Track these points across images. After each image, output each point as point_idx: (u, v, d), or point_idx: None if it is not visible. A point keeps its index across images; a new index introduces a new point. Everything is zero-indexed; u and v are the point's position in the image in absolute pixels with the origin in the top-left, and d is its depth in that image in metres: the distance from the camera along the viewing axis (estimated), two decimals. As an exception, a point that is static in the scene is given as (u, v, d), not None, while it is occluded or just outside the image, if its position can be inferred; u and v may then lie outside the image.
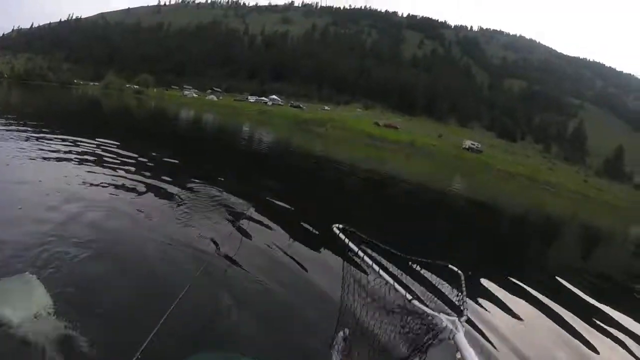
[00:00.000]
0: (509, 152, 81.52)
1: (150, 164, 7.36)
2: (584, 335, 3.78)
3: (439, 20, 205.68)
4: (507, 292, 4.48)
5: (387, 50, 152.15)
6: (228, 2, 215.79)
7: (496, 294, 4.38)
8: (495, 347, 3.19)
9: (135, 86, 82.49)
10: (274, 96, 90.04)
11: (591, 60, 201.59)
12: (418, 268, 2.40)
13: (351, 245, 1.98)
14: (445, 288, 2.29)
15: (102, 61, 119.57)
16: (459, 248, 6.26)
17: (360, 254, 1.91)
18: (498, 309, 3.93)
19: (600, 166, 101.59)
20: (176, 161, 8.50)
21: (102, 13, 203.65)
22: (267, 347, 2.58)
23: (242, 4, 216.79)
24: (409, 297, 1.83)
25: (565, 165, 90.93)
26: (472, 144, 66.75)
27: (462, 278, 2.28)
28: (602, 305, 4.83)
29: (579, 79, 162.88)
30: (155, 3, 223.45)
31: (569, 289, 5.47)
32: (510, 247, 8.08)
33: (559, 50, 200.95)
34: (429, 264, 2.39)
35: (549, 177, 50.76)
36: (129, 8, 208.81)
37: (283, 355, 2.57)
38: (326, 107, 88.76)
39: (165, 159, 8.27)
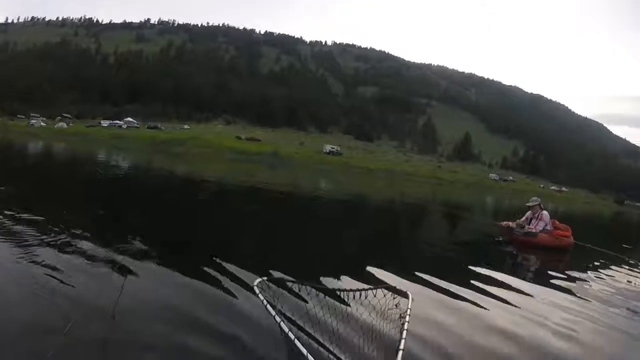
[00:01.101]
0: (368, 152, 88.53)
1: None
2: (468, 298, 3.68)
3: (295, 37, 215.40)
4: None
5: (246, 66, 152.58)
6: (80, 19, 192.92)
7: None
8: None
9: (-22, 116, 66.97)
10: (129, 118, 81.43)
11: (435, 64, 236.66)
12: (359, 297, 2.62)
13: (269, 308, 2.07)
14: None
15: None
16: (341, 251, 5.65)
17: (277, 319, 1.99)
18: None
19: (451, 152, 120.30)
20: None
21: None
22: None
23: (95, 21, 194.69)
24: None
25: (420, 156, 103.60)
26: (331, 147, 70.89)
27: (410, 298, 2.56)
28: (481, 269, 4.95)
29: (425, 81, 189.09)
30: (2, 20, 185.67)
31: (449, 261, 5.87)
32: (387, 237, 7.92)
33: (406, 59, 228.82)
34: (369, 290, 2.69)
35: (406, 168, 56.93)
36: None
37: None
38: (186, 126, 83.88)
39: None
